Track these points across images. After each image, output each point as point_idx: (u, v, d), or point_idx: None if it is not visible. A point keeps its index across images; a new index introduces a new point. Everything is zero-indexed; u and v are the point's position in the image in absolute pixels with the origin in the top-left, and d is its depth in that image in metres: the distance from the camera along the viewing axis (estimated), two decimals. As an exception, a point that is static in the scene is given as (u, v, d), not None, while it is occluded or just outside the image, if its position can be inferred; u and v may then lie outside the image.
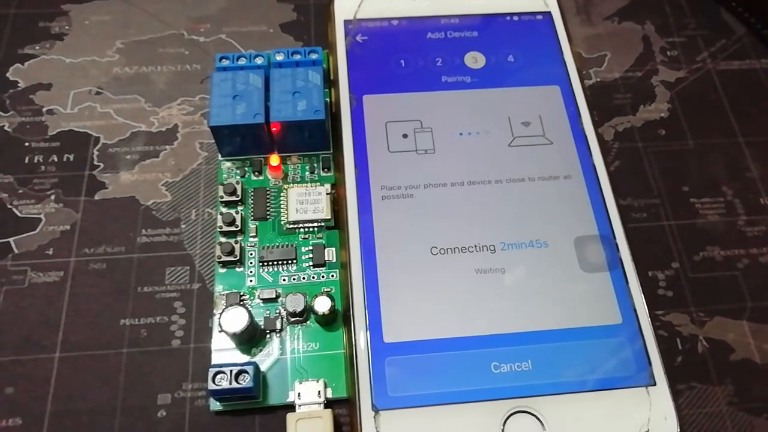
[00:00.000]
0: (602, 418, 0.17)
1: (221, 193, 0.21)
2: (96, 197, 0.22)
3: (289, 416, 0.17)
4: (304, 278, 0.20)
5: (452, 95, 0.22)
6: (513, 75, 0.23)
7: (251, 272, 0.20)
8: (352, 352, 0.18)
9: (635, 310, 0.19)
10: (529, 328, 0.18)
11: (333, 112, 0.22)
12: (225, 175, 0.22)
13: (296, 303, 0.19)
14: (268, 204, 0.21)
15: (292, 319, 0.19)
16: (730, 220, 0.22)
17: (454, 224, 0.20)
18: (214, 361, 0.19)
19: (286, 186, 0.21)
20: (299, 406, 0.18)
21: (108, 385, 0.19)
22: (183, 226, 0.21)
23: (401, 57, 0.23)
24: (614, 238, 0.20)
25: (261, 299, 0.20)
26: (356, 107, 0.22)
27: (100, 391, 0.19)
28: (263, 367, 0.19)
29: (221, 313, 0.18)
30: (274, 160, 0.21)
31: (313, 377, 0.18)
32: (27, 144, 0.23)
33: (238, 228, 0.20)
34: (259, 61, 0.21)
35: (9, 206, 0.21)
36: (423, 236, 0.20)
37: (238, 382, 0.17)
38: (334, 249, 0.20)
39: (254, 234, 0.21)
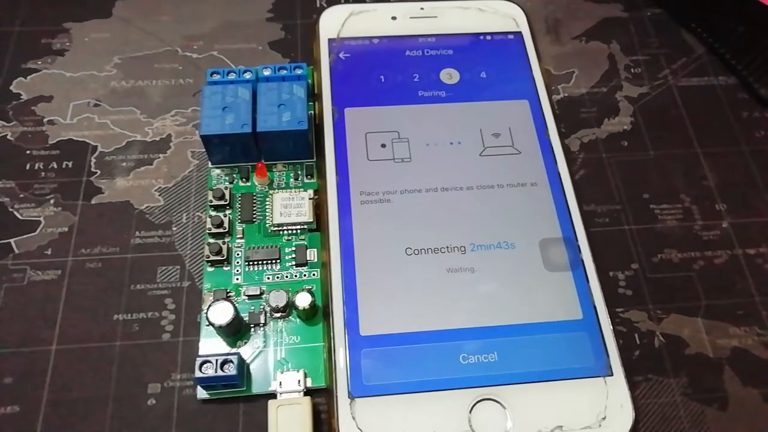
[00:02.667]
0: (562, 405, 0.19)
1: (211, 197, 0.22)
2: (93, 201, 0.23)
3: (271, 403, 0.19)
4: (287, 276, 0.21)
5: (428, 108, 0.24)
6: (485, 90, 0.25)
7: (237, 271, 0.21)
8: (331, 344, 0.19)
9: (595, 307, 0.20)
10: (495, 323, 0.20)
11: (317, 124, 0.24)
12: (214, 181, 0.23)
13: (279, 299, 0.20)
14: (254, 208, 0.22)
15: (276, 314, 0.21)
16: (687, 225, 0.24)
17: (427, 227, 0.21)
18: (200, 352, 0.20)
19: (271, 191, 0.23)
20: (280, 394, 0.19)
21: (101, 375, 0.20)
22: (174, 228, 0.23)
23: (381, 73, 0.25)
24: (577, 240, 0.21)
25: (246, 295, 0.21)
26: (338, 119, 0.23)
27: (93, 381, 0.20)
28: (247, 358, 0.20)
29: (209, 307, 0.19)
30: (261, 167, 0.23)
31: (293, 368, 0.20)
32: (28, 152, 0.24)
33: (226, 230, 0.22)
34: (247, 75, 0.23)
35: (11, 209, 0.23)
36: (399, 238, 0.21)
37: (223, 371, 0.19)
38: (315, 250, 0.22)
39: (241, 236, 0.22)
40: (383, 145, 0.23)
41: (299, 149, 0.23)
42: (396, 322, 0.20)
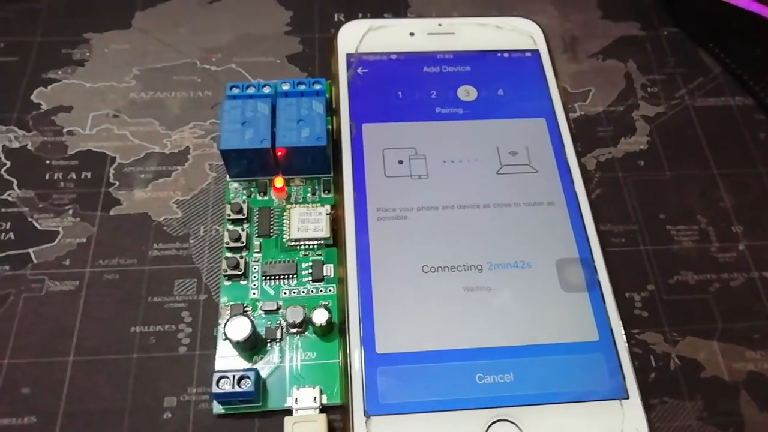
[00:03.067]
0: (578, 428, 0.19)
1: (228, 211, 0.22)
2: (111, 213, 0.23)
3: (287, 419, 0.19)
4: (303, 292, 0.21)
5: (445, 125, 0.24)
6: (502, 107, 0.25)
7: (254, 285, 0.21)
8: (347, 362, 0.19)
9: (611, 329, 0.20)
10: (511, 343, 0.20)
11: (334, 139, 0.24)
12: (232, 195, 0.23)
13: (296, 315, 0.20)
14: (271, 222, 0.23)
15: (292, 330, 0.21)
16: (703, 247, 0.24)
17: (444, 245, 0.21)
18: (217, 368, 0.20)
19: (288, 206, 0.23)
20: (296, 410, 0.19)
21: (118, 387, 0.20)
22: (192, 241, 0.23)
23: (399, 89, 0.25)
24: (593, 261, 0.21)
25: (263, 310, 0.21)
26: (356, 134, 0.23)
27: (110, 393, 0.20)
28: (263, 374, 0.20)
29: (226, 322, 0.19)
30: (279, 182, 0.23)
31: (309, 384, 0.20)
32: (48, 162, 0.24)
33: (244, 244, 0.22)
34: (266, 90, 0.23)
35: (30, 219, 0.23)
36: (415, 255, 0.21)
37: (240, 387, 0.19)
38: (332, 265, 0.22)
39: (258, 250, 0.22)
40: (400, 162, 0.23)
41: (317, 164, 0.23)
42: (412, 341, 0.20)
